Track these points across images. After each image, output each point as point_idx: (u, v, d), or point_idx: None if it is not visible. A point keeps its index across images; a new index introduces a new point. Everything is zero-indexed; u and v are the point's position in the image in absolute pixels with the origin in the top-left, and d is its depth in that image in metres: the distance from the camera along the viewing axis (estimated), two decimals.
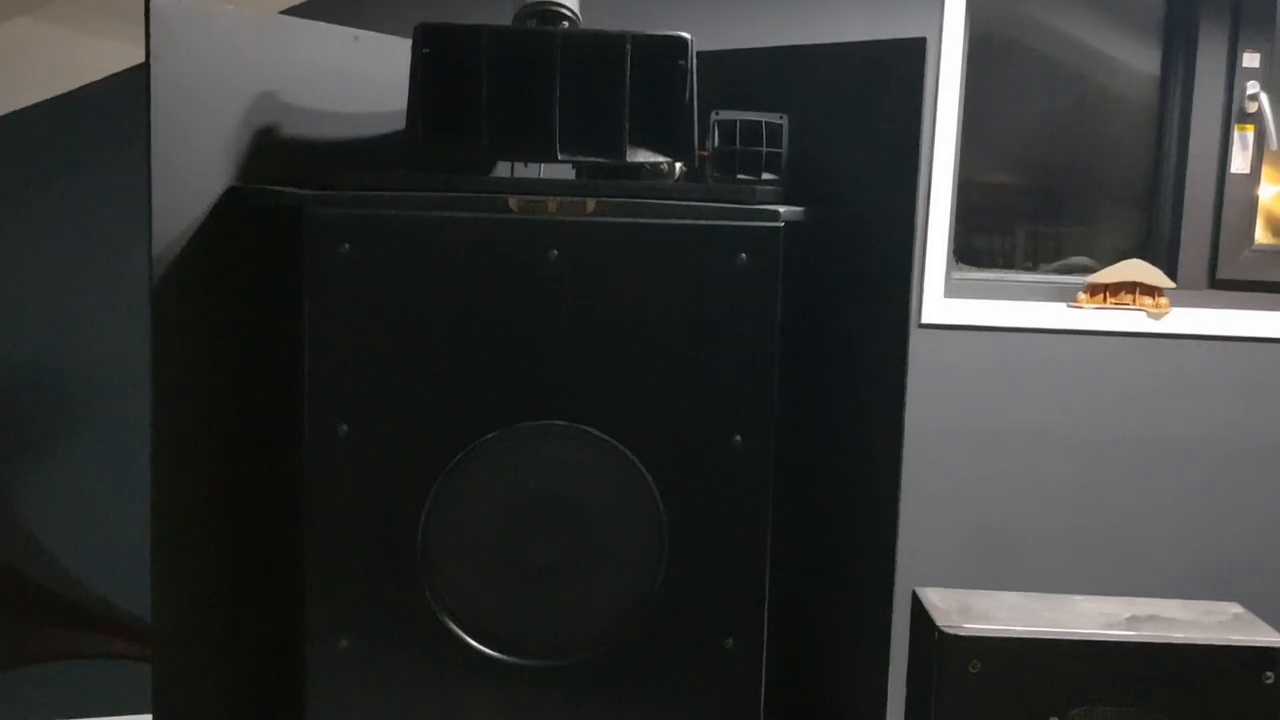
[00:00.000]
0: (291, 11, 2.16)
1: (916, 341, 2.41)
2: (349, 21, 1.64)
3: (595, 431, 1.40)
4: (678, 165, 1.53)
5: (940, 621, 1.46)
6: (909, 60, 1.48)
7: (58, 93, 2.20)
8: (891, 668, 1.51)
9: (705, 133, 1.51)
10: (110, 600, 2.06)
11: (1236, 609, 1.53)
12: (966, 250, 2.57)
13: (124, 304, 2.20)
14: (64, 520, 2.25)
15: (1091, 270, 2.51)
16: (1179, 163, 2.50)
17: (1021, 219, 2.64)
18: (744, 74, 1.66)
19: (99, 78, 2.19)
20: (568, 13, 1.60)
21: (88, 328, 2.27)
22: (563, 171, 1.54)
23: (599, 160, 1.45)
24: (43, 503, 2.27)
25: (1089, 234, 2.62)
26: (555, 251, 1.38)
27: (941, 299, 2.42)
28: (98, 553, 2.21)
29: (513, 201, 1.38)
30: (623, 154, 1.44)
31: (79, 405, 2.30)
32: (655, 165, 1.50)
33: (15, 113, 2.21)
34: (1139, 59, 2.57)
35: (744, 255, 1.39)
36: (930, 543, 2.42)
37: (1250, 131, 2.45)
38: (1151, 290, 2.44)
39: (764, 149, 1.51)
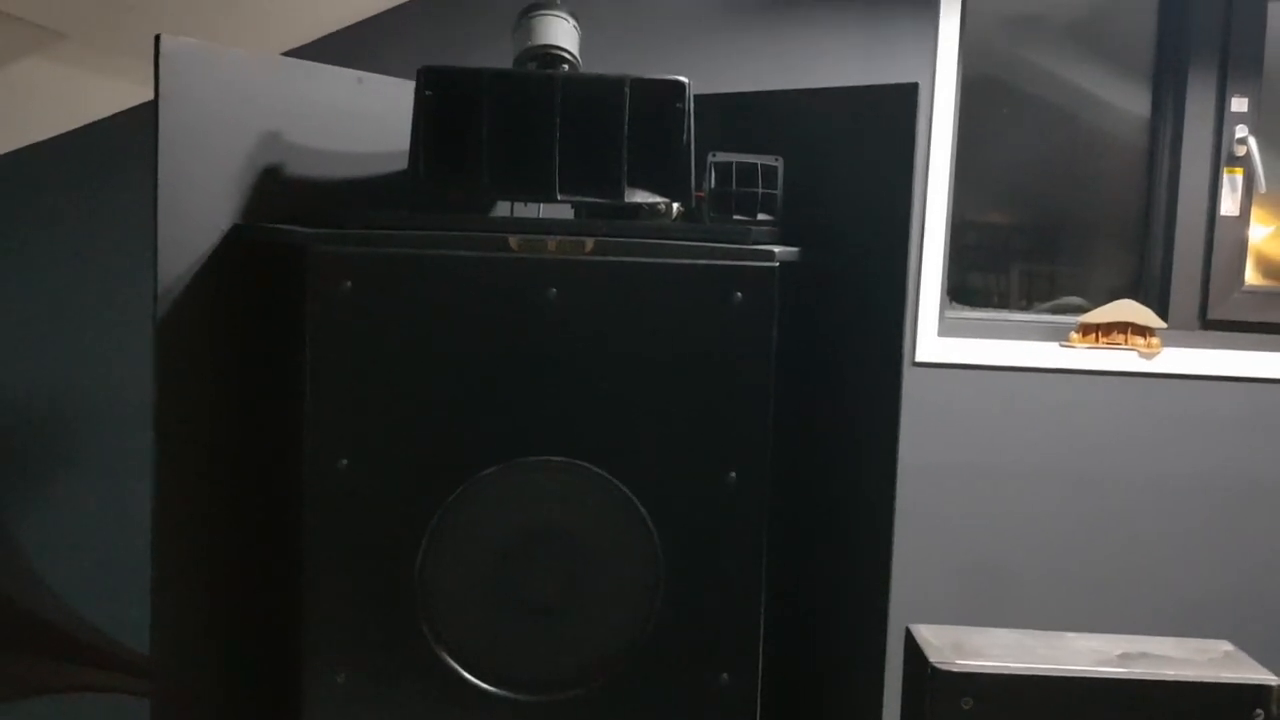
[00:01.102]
0: (294, 53, 2.20)
1: (910, 379, 2.43)
2: (351, 63, 1.67)
3: (591, 467, 1.41)
4: (675, 206, 1.56)
5: (933, 658, 1.46)
6: (902, 105, 1.51)
7: (66, 129, 2.24)
8: (887, 705, 1.52)
9: (702, 174, 1.53)
10: (110, 634, 2.06)
11: (1228, 647, 1.54)
12: (961, 289, 2.60)
13: (127, 339, 2.22)
14: (64, 553, 2.26)
15: (1084, 310, 2.54)
16: (1169, 205, 2.54)
17: (1016, 258, 2.67)
18: (741, 117, 1.69)
19: (106, 115, 2.23)
20: (567, 56, 1.64)
21: (90, 362, 2.29)
22: (562, 212, 1.57)
23: (598, 200, 1.48)
24: (43, 536, 2.28)
25: (1082, 274, 2.65)
26: (554, 290, 1.40)
27: (935, 338, 2.44)
28: (97, 586, 2.21)
29: (513, 240, 1.40)
30: (621, 194, 1.47)
31: (81, 438, 2.31)
32: (653, 206, 1.52)
33: (25, 149, 2.25)
34: (1130, 101, 2.61)
35: (739, 294, 1.41)
36: (924, 579, 2.43)
37: (1239, 174, 2.49)
38: (1143, 330, 2.46)
39: (759, 190, 1.54)
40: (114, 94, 2.09)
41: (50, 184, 2.27)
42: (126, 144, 2.20)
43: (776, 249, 1.44)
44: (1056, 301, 2.63)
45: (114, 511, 2.27)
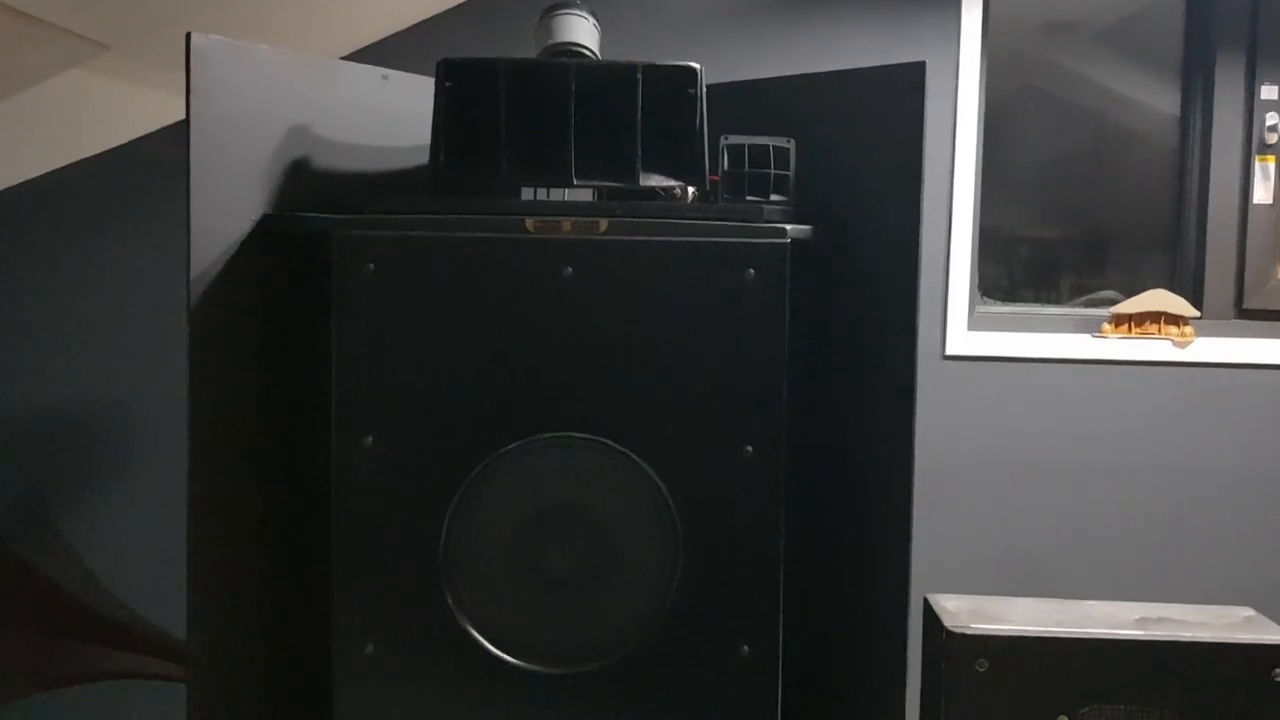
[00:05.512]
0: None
1: (941, 373, 2.44)
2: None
3: (610, 443, 1.44)
4: (690, 190, 1.59)
5: (948, 622, 1.47)
6: (910, 83, 1.54)
7: (111, 145, 2.32)
8: (910, 678, 1.52)
9: (716, 159, 1.56)
10: (152, 622, 2.12)
11: (1248, 612, 1.52)
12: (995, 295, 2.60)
13: (169, 344, 2.29)
14: (114, 547, 2.34)
15: (1116, 303, 2.53)
16: (1201, 195, 2.52)
17: (1050, 269, 2.65)
18: (755, 105, 1.72)
19: (151, 130, 2.31)
20: (587, 53, 1.68)
21: (135, 366, 2.38)
22: (580, 196, 1.61)
23: (613, 184, 1.51)
24: (93, 530, 2.35)
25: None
26: (570, 269, 1.44)
27: (966, 331, 2.45)
28: (142, 575, 2.28)
29: (529, 222, 1.44)
30: (635, 178, 1.50)
31: (129, 434, 2.39)
32: (668, 189, 1.55)
33: (72, 164, 2.34)
34: (1161, 101, 2.60)
35: (752, 270, 1.44)
36: (956, 571, 2.42)
37: (1271, 162, 2.48)
38: (1176, 319, 2.44)
39: (772, 171, 1.57)
40: (159, 108, 2.17)
41: (98, 198, 2.36)
42: (168, 159, 2.28)
43: (788, 226, 1.46)
44: (1090, 296, 2.62)
45: (160, 506, 2.33)
